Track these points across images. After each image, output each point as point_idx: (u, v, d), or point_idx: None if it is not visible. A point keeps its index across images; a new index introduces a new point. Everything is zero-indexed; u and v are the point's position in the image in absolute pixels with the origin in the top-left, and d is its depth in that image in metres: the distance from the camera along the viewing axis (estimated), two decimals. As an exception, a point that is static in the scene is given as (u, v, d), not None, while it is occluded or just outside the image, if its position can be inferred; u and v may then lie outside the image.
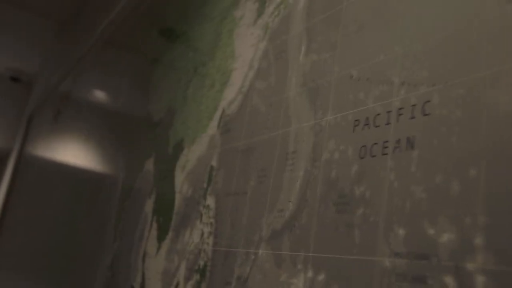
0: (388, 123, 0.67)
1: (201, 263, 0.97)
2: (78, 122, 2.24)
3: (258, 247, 0.83)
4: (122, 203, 1.47)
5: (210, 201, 1.01)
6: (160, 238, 1.16)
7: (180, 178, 1.18)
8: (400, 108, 0.66)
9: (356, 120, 0.72)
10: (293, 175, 0.81)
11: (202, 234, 1.00)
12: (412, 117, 0.64)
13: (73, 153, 2.19)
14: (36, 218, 2.48)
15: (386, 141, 0.67)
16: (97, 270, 1.46)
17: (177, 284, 1.03)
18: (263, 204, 0.86)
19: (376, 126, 0.69)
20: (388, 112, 0.68)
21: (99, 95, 2.21)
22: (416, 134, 0.63)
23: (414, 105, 0.65)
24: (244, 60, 1.06)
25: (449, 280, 0.53)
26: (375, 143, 0.68)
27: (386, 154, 0.66)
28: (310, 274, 0.71)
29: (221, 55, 1.17)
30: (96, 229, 1.57)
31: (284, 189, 0.82)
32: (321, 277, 0.69)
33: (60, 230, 2.00)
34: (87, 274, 1.53)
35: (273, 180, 0.85)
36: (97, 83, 2.24)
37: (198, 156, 1.13)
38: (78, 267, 1.64)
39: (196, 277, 0.97)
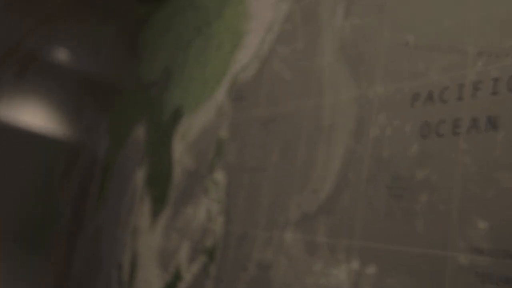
0: (459, 99, 0.58)
1: (209, 243, 0.87)
2: (49, 83, 2.08)
3: (284, 231, 0.74)
4: (105, 172, 1.35)
5: (220, 175, 0.91)
6: (155, 213, 1.06)
7: (179, 148, 1.07)
8: (477, 82, 0.57)
9: (415, 94, 0.63)
10: (330, 151, 0.72)
11: (209, 211, 0.90)
12: (494, 93, 0.55)
13: (42, 117, 2.03)
14: (2, 187, 2.32)
15: (458, 120, 0.58)
16: (77, 242, 1.34)
17: (178, 265, 0.93)
18: (289, 182, 0.76)
19: (443, 102, 0.60)
20: (460, 86, 0.59)
21: (74, 53, 2.05)
22: (499, 113, 0.54)
23: (496, 79, 0.56)
24: (261, 21, 0.95)
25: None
26: (442, 121, 0.59)
27: (458, 134, 0.57)
28: (355, 265, 0.62)
29: (231, 14, 1.06)
30: (74, 199, 1.45)
31: (317, 166, 0.73)
32: (371, 269, 0.60)
33: (32, 199, 1.86)
34: (64, 246, 1.41)
35: (303, 156, 0.76)
36: (70, 41, 2.07)
37: (202, 124, 1.02)
38: (54, 239, 1.52)
39: (203, 258, 0.87)
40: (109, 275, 1.13)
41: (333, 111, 0.74)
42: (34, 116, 2.25)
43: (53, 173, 1.66)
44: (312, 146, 0.75)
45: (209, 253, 0.86)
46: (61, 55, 2.17)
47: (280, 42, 0.89)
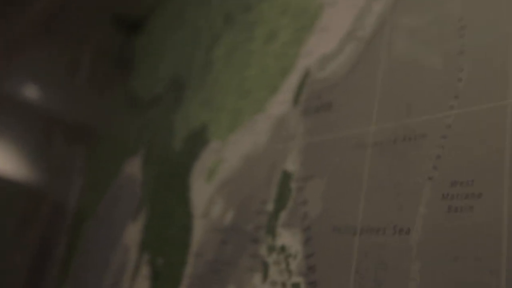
0: None
1: None
2: (8, 118, 1.66)
3: None
4: (77, 226, 0.92)
5: (288, 238, 0.51)
6: (161, 298, 0.64)
7: (203, 192, 0.66)
8: None
9: None
10: None
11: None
12: None
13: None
14: None
15: None
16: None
17: None
18: (466, 257, 0.37)
19: None
20: None
21: (40, 85, 1.64)
22: None
23: None
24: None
25: None
26: None
27: None
28: None
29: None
30: (32, 263, 1.02)
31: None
32: None
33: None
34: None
35: (492, 207, 0.37)
36: (35, 72, 1.67)
37: (247, 153, 0.63)
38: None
39: None
40: None
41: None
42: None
43: (6, 227, 1.21)
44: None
45: None
46: (25, 87, 1.75)
47: (403, 9, 0.51)
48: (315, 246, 0.49)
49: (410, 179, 0.44)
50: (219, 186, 0.65)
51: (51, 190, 1.13)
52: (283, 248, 0.52)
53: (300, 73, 0.61)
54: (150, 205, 0.75)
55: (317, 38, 0.61)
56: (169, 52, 0.93)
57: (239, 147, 0.64)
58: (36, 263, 1.05)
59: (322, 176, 0.52)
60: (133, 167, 0.84)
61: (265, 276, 0.52)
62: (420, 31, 0.49)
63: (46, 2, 1.71)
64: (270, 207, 0.56)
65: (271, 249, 0.53)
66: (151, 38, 1.03)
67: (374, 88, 0.51)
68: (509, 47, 0.41)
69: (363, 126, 0.50)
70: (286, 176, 0.56)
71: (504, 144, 0.38)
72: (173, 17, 0.98)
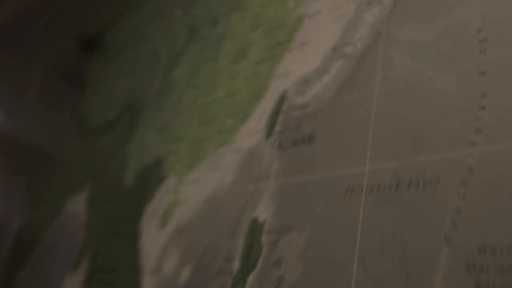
0: None
1: None
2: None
3: None
4: (10, 273, 0.79)
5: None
6: None
7: (156, 240, 0.54)
8: None
9: None
10: None
11: None
12: None
13: None
14: None
15: None
16: None
17: None
18: None
19: None
20: None
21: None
22: None
23: None
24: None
25: None
26: None
27: None
28: None
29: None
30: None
31: None
32: None
33: None
34: None
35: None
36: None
37: (208, 195, 0.51)
38: None
39: None
40: None
41: None
42: None
43: None
44: None
45: None
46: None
47: (403, 19, 0.41)
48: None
49: (420, 240, 0.33)
50: (175, 234, 0.53)
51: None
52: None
53: (275, 97, 0.50)
54: (93, 254, 0.63)
55: (296, 56, 0.50)
56: (126, 72, 0.81)
57: (200, 187, 0.53)
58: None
59: (302, 229, 0.40)
60: (78, 205, 0.72)
61: None
62: (426, 45, 0.38)
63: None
64: (235, 265, 0.44)
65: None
66: (107, 56, 0.91)
67: (367, 116, 0.40)
68: (556, 65, 0.31)
69: (355, 165, 0.39)
70: (256, 227, 0.44)
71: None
72: (132, 34, 0.87)
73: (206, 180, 0.52)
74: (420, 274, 0.32)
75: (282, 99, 0.49)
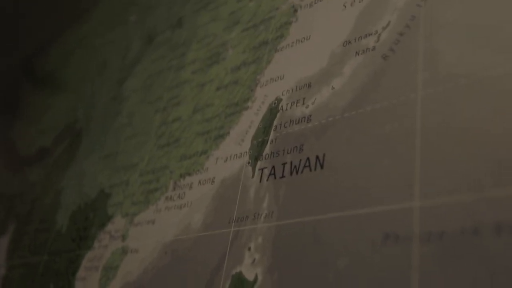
0: None
1: None
2: None
3: None
4: None
5: None
6: None
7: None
8: None
9: None
10: None
11: None
12: None
13: None
14: None
15: None
16: None
17: None
18: None
19: None
20: None
21: None
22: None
23: None
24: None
25: None
26: None
27: None
28: None
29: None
30: None
31: None
32: None
33: None
34: None
35: None
36: None
37: (170, 242, 0.37)
38: None
39: None
40: None
41: None
42: None
43: None
44: None
45: None
46: None
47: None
48: None
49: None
50: (122, 295, 0.38)
51: None
52: None
53: (263, 109, 0.37)
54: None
55: (289, 56, 0.38)
56: (65, 90, 0.67)
57: (157, 231, 0.39)
58: None
59: (298, 278, 0.27)
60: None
61: None
62: (487, 28, 0.27)
63: None
64: None
65: None
66: (44, 75, 0.77)
67: (410, 129, 0.27)
68: None
69: (395, 200, 0.26)
70: (243, 286, 0.30)
71: None
72: (75, 48, 0.73)
73: (165, 221, 0.38)
74: None
75: (273, 111, 0.36)
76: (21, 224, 0.56)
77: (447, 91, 0.27)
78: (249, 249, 0.31)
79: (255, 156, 0.35)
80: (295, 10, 0.40)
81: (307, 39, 0.37)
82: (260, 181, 0.34)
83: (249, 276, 0.31)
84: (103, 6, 0.73)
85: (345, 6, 0.36)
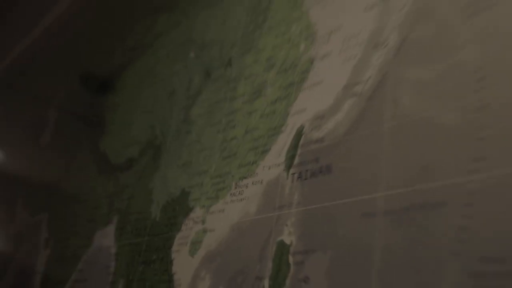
0: None
1: None
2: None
3: None
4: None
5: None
6: None
7: (188, 266, 0.59)
8: None
9: None
10: None
11: None
12: None
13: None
14: None
15: None
16: None
17: None
18: None
19: None
20: None
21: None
22: None
23: None
24: (344, 31, 0.54)
25: None
26: None
27: None
28: None
29: (275, 34, 0.64)
30: None
31: None
32: None
33: None
34: None
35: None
36: None
37: (235, 223, 0.56)
38: None
39: None
40: None
41: None
42: None
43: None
44: None
45: None
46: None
47: (408, 60, 0.47)
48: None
49: (431, 254, 0.38)
50: (206, 260, 0.58)
51: (16, 260, 1.03)
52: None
53: (292, 133, 0.55)
54: (126, 282, 0.67)
55: (309, 95, 0.56)
56: (143, 110, 0.87)
57: (226, 216, 0.58)
58: None
59: (325, 250, 0.46)
60: (106, 238, 0.77)
61: None
62: (429, 84, 0.44)
63: (10, 59, 1.64)
64: (266, 284, 0.49)
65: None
66: (122, 96, 0.97)
67: (380, 148, 0.45)
68: (540, 102, 0.37)
69: (371, 192, 0.44)
70: (283, 249, 0.49)
71: (548, 214, 0.33)
72: (146, 74, 0.93)
73: (231, 210, 0.58)
74: (430, 283, 0.37)
75: (299, 134, 0.54)
76: (122, 216, 0.76)
77: (402, 125, 0.45)
78: (287, 225, 0.50)
79: (288, 165, 0.54)
80: (312, 61, 0.58)
81: (320, 83, 0.55)
82: (292, 182, 0.52)
83: (288, 242, 0.49)
84: (163, 41, 0.92)
85: (344, 61, 0.54)
